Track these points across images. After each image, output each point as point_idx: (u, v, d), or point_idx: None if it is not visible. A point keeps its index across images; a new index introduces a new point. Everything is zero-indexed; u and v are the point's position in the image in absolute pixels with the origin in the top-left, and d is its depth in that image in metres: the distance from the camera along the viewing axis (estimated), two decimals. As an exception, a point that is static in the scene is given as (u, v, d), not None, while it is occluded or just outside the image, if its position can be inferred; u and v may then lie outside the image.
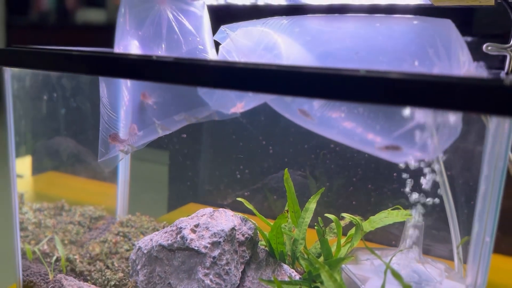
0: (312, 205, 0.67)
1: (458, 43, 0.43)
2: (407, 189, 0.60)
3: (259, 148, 1.00)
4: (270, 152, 1.01)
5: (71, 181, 1.03)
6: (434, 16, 0.72)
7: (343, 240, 0.65)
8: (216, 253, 0.61)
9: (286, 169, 0.67)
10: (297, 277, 0.64)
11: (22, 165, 0.93)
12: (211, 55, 0.63)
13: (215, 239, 0.61)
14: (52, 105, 0.93)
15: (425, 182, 0.59)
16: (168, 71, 0.49)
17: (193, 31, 0.59)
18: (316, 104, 0.53)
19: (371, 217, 0.64)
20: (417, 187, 0.60)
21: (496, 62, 0.62)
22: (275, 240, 0.64)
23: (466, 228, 0.62)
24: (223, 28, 0.58)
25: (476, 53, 0.55)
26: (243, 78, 0.45)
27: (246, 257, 0.63)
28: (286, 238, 0.68)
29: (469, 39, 1.00)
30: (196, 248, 0.61)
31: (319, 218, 0.64)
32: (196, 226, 0.63)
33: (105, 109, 0.61)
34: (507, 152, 0.36)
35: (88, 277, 0.71)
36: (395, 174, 0.78)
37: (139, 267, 0.67)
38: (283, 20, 0.57)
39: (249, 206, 0.68)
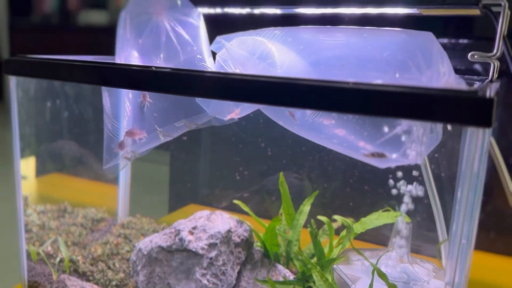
0: (306, 207, 0.70)
1: (439, 55, 0.45)
2: (397, 191, 0.63)
3: (258, 151, 1.02)
4: (269, 155, 1.03)
5: (74, 183, 1.05)
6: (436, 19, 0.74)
7: (335, 241, 0.68)
8: (213, 254, 0.63)
9: (281, 172, 0.69)
10: (291, 277, 0.66)
11: (27, 167, 0.96)
12: (209, 63, 0.65)
13: (212, 241, 0.64)
14: (56, 110, 0.95)
15: (413, 185, 0.61)
16: (165, 82, 0.52)
17: (190, 40, 0.61)
18: (309, 111, 0.56)
19: (362, 219, 0.67)
20: (406, 189, 0.63)
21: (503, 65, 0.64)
22: (269, 242, 0.66)
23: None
24: (218, 38, 0.60)
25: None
26: (236, 89, 0.48)
27: (242, 258, 0.66)
28: (281, 239, 0.71)
29: (465, 41, 1.02)
30: (193, 249, 0.64)
31: (312, 220, 0.67)
32: (194, 228, 0.66)
33: (108, 118, 0.64)
34: (482, 159, 0.38)
35: (91, 278, 0.73)
36: (390, 175, 0.80)
37: (139, 267, 0.70)
38: (276, 31, 0.59)
39: (245, 208, 0.70)
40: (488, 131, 0.38)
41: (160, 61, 0.60)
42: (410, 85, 0.38)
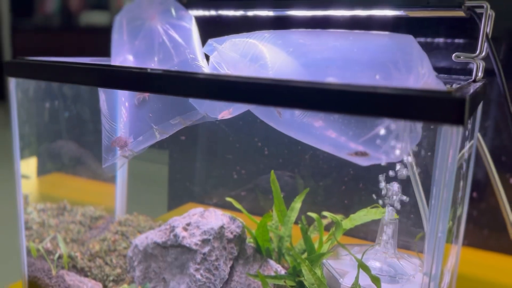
0: (297, 204, 0.72)
1: (419, 57, 0.47)
2: (383, 188, 0.65)
3: (255, 150, 1.04)
4: (266, 154, 1.05)
5: (73, 182, 1.07)
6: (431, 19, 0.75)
7: (325, 237, 0.70)
8: (206, 249, 0.65)
9: (272, 171, 0.71)
10: (283, 272, 0.68)
11: (28, 167, 0.97)
12: (203, 65, 0.67)
13: (205, 237, 0.66)
14: (56, 111, 0.98)
15: (399, 182, 0.63)
16: (159, 83, 0.54)
17: (183, 43, 0.63)
18: (297, 112, 0.57)
19: (351, 215, 0.69)
20: (394, 188, 0.65)
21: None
22: (261, 238, 0.68)
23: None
24: (210, 41, 0.62)
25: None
26: (225, 90, 0.50)
27: (235, 253, 0.68)
28: (273, 235, 0.73)
29: (460, 41, 1.04)
30: (187, 245, 0.66)
31: (302, 216, 0.69)
32: (188, 224, 0.68)
33: (105, 119, 0.65)
34: (455, 160, 0.40)
35: (89, 273, 0.75)
36: (383, 173, 0.82)
37: (135, 263, 0.72)
38: (266, 34, 0.61)
39: (238, 206, 0.72)
40: (461, 129, 0.40)
41: (154, 64, 0.62)
42: (389, 86, 0.40)
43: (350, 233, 0.77)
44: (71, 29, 3.82)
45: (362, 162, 0.50)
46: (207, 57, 0.63)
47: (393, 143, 0.47)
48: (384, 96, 0.40)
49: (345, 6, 0.69)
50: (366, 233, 0.79)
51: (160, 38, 0.59)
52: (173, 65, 0.63)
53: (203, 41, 0.63)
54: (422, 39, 1.05)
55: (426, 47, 1.05)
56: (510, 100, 0.64)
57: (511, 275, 0.92)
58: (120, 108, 0.66)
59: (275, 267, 0.68)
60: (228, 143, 1.07)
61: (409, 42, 0.47)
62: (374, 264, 0.63)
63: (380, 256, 0.64)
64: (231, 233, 0.68)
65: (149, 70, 0.54)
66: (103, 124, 0.66)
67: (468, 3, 0.61)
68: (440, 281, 0.45)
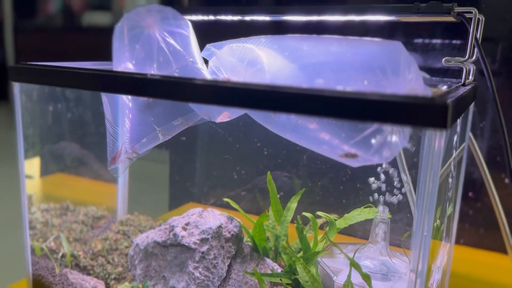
0: (293, 204, 0.74)
1: (406, 62, 0.49)
2: (377, 187, 0.67)
3: (254, 150, 1.06)
4: (265, 154, 1.07)
5: (76, 182, 1.09)
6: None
7: (320, 236, 0.72)
8: (204, 248, 0.67)
9: (269, 172, 0.73)
10: (279, 270, 0.70)
11: (32, 168, 0.99)
12: (203, 69, 0.69)
13: (203, 236, 0.68)
14: (59, 113, 1.00)
15: (392, 182, 0.65)
16: (157, 88, 0.56)
17: (182, 50, 0.65)
18: (293, 115, 0.59)
19: (346, 215, 0.71)
20: (389, 186, 0.67)
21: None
22: (258, 237, 0.71)
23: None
24: (208, 46, 0.64)
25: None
26: (223, 95, 0.52)
27: (232, 252, 0.70)
28: (270, 234, 0.75)
29: (458, 42, 1.06)
30: (186, 244, 0.68)
31: (298, 216, 0.71)
32: (187, 224, 0.70)
33: (109, 124, 0.68)
34: (439, 162, 0.42)
35: (91, 271, 0.77)
36: (377, 173, 0.84)
37: (136, 262, 0.74)
38: (262, 39, 0.63)
39: (235, 206, 0.74)
40: (445, 133, 0.42)
41: (154, 71, 0.64)
42: (376, 92, 0.42)
43: (348, 232, 0.79)
44: (73, 29, 3.84)
45: (353, 163, 0.52)
46: (206, 62, 0.65)
47: (382, 145, 0.49)
48: (371, 102, 0.42)
49: (339, 12, 0.71)
50: (364, 232, 0.81)
51: (158, 45, 0.61)
52: (172, 71, 0.65)
53: (203, 44, 0.65)
54: (420, 40, 1.07)
55: (423, 49, 1.06)
56: (499, 102, 0.66)
57: (507, 274, 0.94)
58: (122, 112, 0.68)
59: (271, 266, 0.70)
60: (228, 144, 1.09)
61: (397, 49, 0.49)
62: (367, 263, 0.65)
63: (373, 255, 0.66)
64: (229, 232, 0.70)
65: (148, 76, 0.56)
66: (107, 129, 0.68)
67: (457, 9, 0.63)
68: (427, 277, 0.47)
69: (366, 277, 0.53)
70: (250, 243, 0.73)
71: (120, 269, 0.77)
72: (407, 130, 0.50)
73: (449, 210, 0.65)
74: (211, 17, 0.84)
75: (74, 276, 0.75)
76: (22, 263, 0.78)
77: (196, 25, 0.68)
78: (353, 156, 0.50)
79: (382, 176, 0.68)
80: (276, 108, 0.49)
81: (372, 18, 0.70)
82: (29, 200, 0.95)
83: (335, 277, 0.63)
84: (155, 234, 0.72)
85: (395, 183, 0.67)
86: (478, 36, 0.65)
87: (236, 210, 0.76)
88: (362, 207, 0.71)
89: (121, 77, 0.57)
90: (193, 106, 0.67)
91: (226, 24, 0.87)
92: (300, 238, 0.69)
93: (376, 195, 0.66)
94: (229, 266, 0.69)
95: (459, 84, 0.62)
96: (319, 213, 0.70)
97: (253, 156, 1.07)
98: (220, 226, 0.69)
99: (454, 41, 1.04)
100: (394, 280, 0.63)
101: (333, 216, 0.70)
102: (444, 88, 0.60)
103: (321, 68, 0.57)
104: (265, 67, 0.62)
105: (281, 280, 0.66)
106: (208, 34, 0.70)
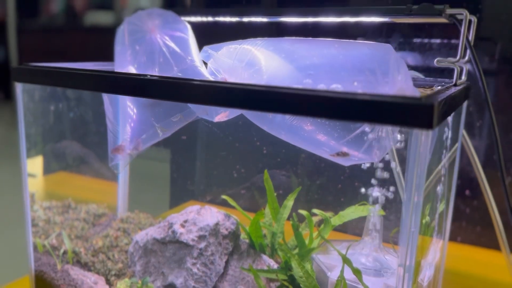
0: (289, 202, 0.75)
1: (395, 64, 0.50)
2: (374, 187, 0.68)
3: (254, 149, 1.07)
4: (264, 153, 1.08)
5: (77, 181, 1.11)
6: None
7: (315, 233, 0.73)
8: (202, 245, 0.69)
9: (266, 170, 0.75)
10: (275, 266, 0.72)
11: (34, 166, 1.01)
12: (203, 71, 0.71)
13: (201, 233, 0.69)
14: (61, 112, 1.01)
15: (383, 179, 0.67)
16: (157, 89, 0.57)
17: (182, 53, 0.66)
18: (287, 116, 0.61)
19: (340, 212, 0.72)
20: (382, 184, 0.69)
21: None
22: (254, 234, 0.72)
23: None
24: (205, 48, 0.65)
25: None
26: (220, 96, 0.53)
27: (229, 248, 0.71)
28: (267, 231, 0.76)
29: (457, 41, 1.07)
30: (185, 241, 0.69)
31: (293, 214, 0.72)
32: (185, 221, 0.71)
33: (110, 121, 0.69)
34: (426, 161, 0.43)
35: (92, 268, 0.79)
36: (374, 173, 0.86)
37: (136, 258, 0.76)
38: (258, 41, 0.64)
39: (233, 204, 0.76)
40: (432, 132, 0.43)
41: (155, 73, 0.65)
42: (366, 92, 0.44)
43: (345, 229, 0.81)
44: (76, 29, 3.85)
45: (344, 162, 0.53)
46: (205, 63, 0.67)
47: (372, 144, 0.51)
48: (360, 102, 0.43)
49: (334, 14, 0.72)
50: (362, 230, 0.82)
51: (160, 49, 0.63)
52: (173, 74, 0.66)
53: (202, 45, 0.67)
54: (418, 40, 1.08)
55: (421, 49, 1.08)
56: (491, 103, 0.68)
57: (503, 271, 0.95)
58: (122, 109, 0.70)
59: (268, 262, 0.72)
60: (228, 143, 1.11)
61: (387, 51, 0.51)
62: (360, 259, 0.66)
63: (366, 251, 0.67)
64: (226, 229, 0.71)
65: (148, 77, 0.58)
66: (109, 127, 0.69)
67: (448, 11, 0.64)
68: (416, 272, 0.49)
69: (357, 272, 0.54)
70: (247, 240, 0.74)
71: (120, 265, 0.78)
72: (396, 130, 0.52)
73: (440, 207, 0.66)
74: (210, 19, 0.85)
75: (76, 272, 0.76)
76: (25, 260, 0.79)
77: (195, 27, 0.69)
78: (344, 155, 0.52)
79: (378, 173, 0.69)
80: (270, 109, 0.51)
81: (366, 20, 0.71)
82: (32, 198, 0.96)
83: (329, 273, 0.65)
84: (154, 231, 0.74)
85: (387, 176, 0.68)
86: (470, 36, 0.66)
87: (235, 208, 0.78)
88: (356, 205, 0.72)
89: (121, 78, 0.59)
90: (192, 106, 0.68)
91: (224, 25, 0.88)
92: (296, 235, 0.70)
93: (370, 191, 0.68)
94: (227, 262, 0.71)
95: (451, 84, 0.64)
96: (315, 210, 0.71)
97: (252, 155, 1.09)
98: (217, 224, 0.71)
99: (452, 41, 1.05)
100: (387, 276, 0.65)
101: (328, 214, 0.71)
102: (438, 88, 0.61)
103: (315, 70, 0.58)
104: (263, 68, 0.63)
105: (277, 276, 0.68)
106: (207, 35, 0.72)
